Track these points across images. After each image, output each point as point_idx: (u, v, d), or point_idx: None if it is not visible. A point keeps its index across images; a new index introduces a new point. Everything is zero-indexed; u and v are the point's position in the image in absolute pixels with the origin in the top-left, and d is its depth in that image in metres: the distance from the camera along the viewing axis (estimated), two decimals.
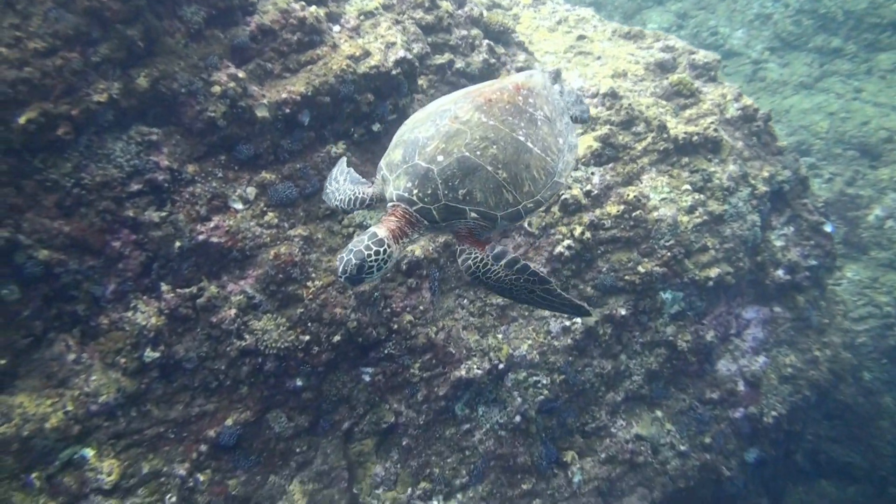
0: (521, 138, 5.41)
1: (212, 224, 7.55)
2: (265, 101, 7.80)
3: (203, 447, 7.64)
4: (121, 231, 7.28)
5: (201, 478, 7.66)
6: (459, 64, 9.24)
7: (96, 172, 7.15)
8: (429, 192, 5.22)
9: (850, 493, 12.47)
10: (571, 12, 12.22)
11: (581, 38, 10.74)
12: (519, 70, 9.52)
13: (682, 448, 9.40)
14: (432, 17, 9.39)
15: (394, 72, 8.26)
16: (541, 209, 6.28)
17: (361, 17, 8.89)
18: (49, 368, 7.33)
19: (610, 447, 9.23)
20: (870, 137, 15.47)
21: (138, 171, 7.28)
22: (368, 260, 5.12)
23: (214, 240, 7.53)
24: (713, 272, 9.00)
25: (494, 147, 5.27)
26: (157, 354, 7.30)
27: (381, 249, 5.18)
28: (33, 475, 7.20)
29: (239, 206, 7.74)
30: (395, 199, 5.44)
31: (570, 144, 5.93)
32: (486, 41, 9.63)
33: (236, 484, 7.76)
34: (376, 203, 6.11)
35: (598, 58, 10.39)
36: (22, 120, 6.81)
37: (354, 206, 6.24)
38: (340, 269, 5.11)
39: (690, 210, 9.10)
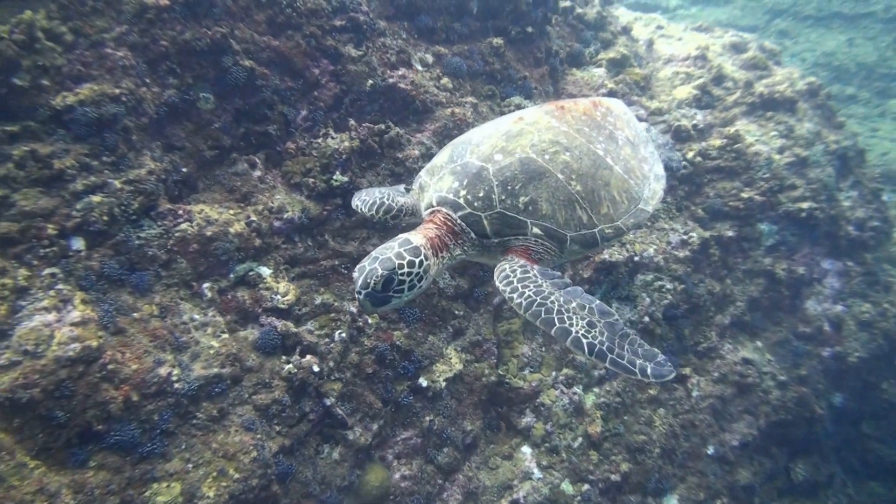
0: (600, 152, 4.29)
1: (399, 73, 7.39)
2: None
3: None
4: (321, 60, 7.01)
5: (370, 320, 6.98)
6: (579, 10, 9.69)
7: (308, 0, 7.04)
8: (480, 194, 3.96)
9: None
10: (640, 15, 12.84)
11: (659, 27, 11.43)
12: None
13: (782, 378, 9.06)
14: None
15: None
16: (620, 239, 4.90)
17: None
18: (231, 183, 6.74)
19: (721, 367, 8.82)
20: (891, 165, 15.69)
21: (343, 7, 7.13)
22: (399, 272, 3.69)
23: (402, 86, 7.28)
24: (805, 205, 9.18)
25: (567, 154, 4.13)
26: (345, 179, 6.83)
27: (417, 261, 3.76)
28: (206, 285, 6.42)
29: (419, 66, 7.60)
30: (435, 202, 4.15)
31: (656, 174, 4.73)
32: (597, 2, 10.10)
33: (400, 335, 7.07)
34: (406, 216, 4.76)
35: (679, 39, 11.01)
36: None
37: (379, 213, 4.80)
38: (361, 282, 3.63)
39: (780, 150, 9.40)
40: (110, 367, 5.39)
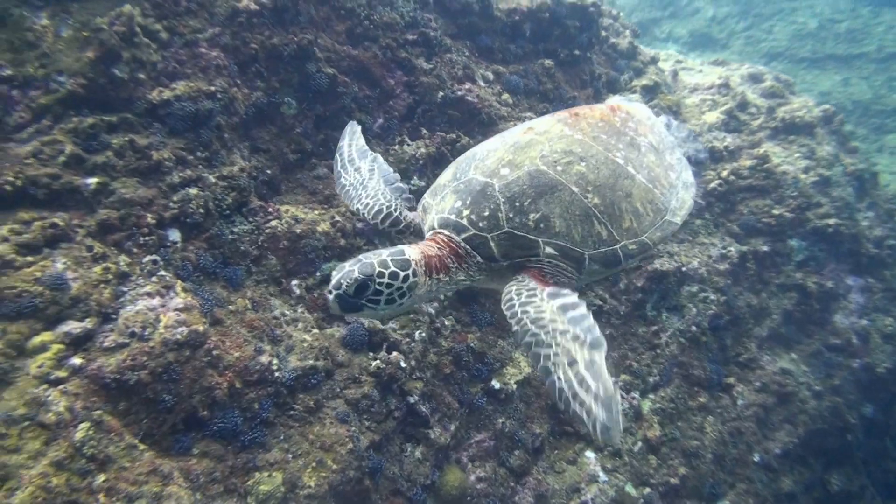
0: (620, 160, 3.75)
1: (466, 86, 7.39)
2: (502, 5, 8.07)
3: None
4: (396, 71, 7.01)
5: (447, 322, 6.82)
6: (613, 40, 9.84)
7: (382, 13, 7.03)
8: (486, 213, 3.45)
9: None
10: (657, 51, 12.97)
11: (678, 61, 11.65)
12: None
13: (817, 388, 8.97)
14: None
15: (591, 9, 8.68)
16: (646, 255, 4.18)
17: None
18: (314, 186, 6.64)
19: (762, 377, 8.71)
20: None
21: (415, 22, 7.16)
22: (378, 281, 3.22)
23: (469, 99, 7.26)
24: (831, 221, 9.27)
25: (582, 164, 3.60)
26: (422, 184, 6.77)
27: (402, 275, 3.28)
28: (294, 282, 6.26)
29: (482, 82, 7.61)
30: (437, 224, 3.64)
31: (684, 182, 4.12)
32: (630, 32, 10.33)
33: (474, 338, 6.93)
34: (411, 234, 4.20)
35: (700, 71, 11.24)
36: None
37: (384, 224, 4.18)
38: (334, 282, 3.20)
39: (805, 170, 9.52)
40: (215, 352, 5.20)
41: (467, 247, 3.50)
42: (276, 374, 5.45)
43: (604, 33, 9.49)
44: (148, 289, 5.21)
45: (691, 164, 4.55)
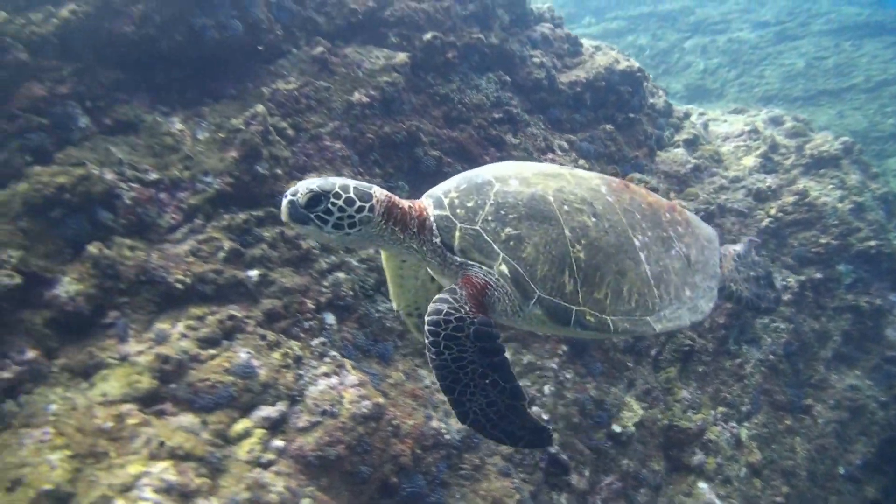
0: (636, 242, 3.47)
1: (548, 157, 7.78)
2: (563, 79, 8.56)
3: (564, 347, 7.12)
4: (489, 148, 7.38)
5: (567, 375, 7.05)
6: (651, 100, 10.34)
7: (472, 96, 7.45)
8: (469, 205, 3.22)
9: None
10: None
11: (702, 113, 12.18)
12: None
13: (883, 399, 9.28)
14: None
15: (637, 74, 9.20)
16: (599, 334, 3.56)
17: (591, 48, 9.90)
18: None
19: (834, 395, 8.97)
20: None
21: (499, 102, 7.58)
22: (332, 200, 2.97)
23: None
24: (872, 243, 9.71)
25: (592, 219, 3.34)
26: None
27: (358, 204, 3.00)
28: None
29: (559, 151, 8.03)
30: (425, 195, 3.47)
31: (694, 306, 3.75)
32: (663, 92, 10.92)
33: (591, 387, 7.16)
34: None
35: (725, 121, 11.81)
36: (427, 37, 7.28)
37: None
38: (292, 189, 2.99)
39: (840, 199, 10.00)
40: (394, 422, 5.39)
41: (434, 224, 3.24)
42: (447, 437, 5.64)
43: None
44: (324, 369, 5.42)
45: (751, 308, 4.32)
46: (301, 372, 5.39)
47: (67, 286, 5.20)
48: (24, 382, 4.75)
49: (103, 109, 6.19)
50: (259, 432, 4.92)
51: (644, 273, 3.46)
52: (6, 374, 4.69)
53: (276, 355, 5.35)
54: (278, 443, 4.93)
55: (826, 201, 9.80)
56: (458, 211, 3.21)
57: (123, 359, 5.07)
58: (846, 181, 10.33)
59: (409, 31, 7.19)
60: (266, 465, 4.76)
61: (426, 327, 3.03)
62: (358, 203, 3.01)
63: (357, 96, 6.61)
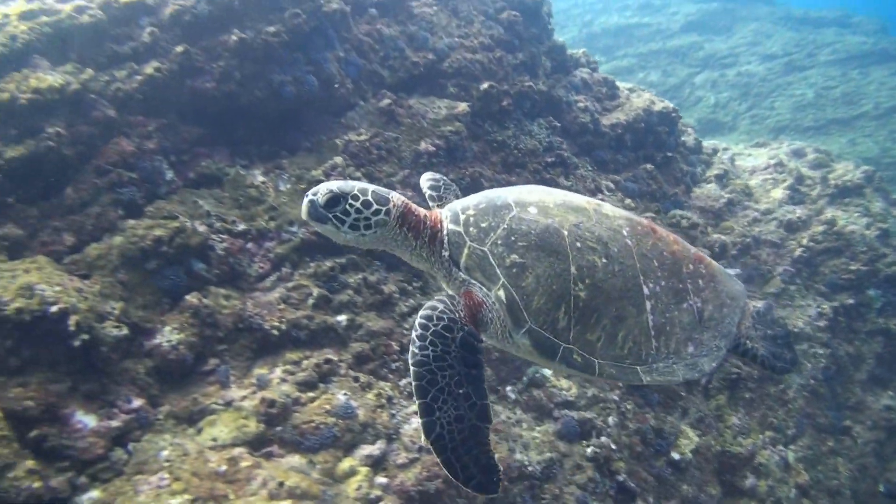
0: (645, 290, 3.37)
1: (599, 197, 8.11)
2: (605, 122, 8.92)
3: None
4: None
5: (628, 405, 7.30)
6: (682, 138, 10.73)
7: (526, 142, 7.76)
8: (482, 225, 3.22)
9: None
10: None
11: (725, 149, 12.54)
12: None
13: None
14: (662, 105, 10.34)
15: (672, 114, 9.58)
16: (581, 375, 3.61)
17: (626, 90, 10.28)
18: None
19: (871, 416, 9.29)
20: None
21: (551, 146, 7.91)
22: (350, 201, 3.09)
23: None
24: None
25: (602, 260, 3.25)
26: None
27: (375, 207, 3.12)
28: (508, 388, 6.74)
29: (606, 192, 8.37)
30: (443, 208, 3.52)
31: (693, 364, 3.52)
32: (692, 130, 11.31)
33: (651, 417, 7.41)
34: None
35: (749, 155, 12.20)
36: (484, 86, 7.61)
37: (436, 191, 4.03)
38: (312, 190, 3.11)
39: (867, 227, 10.36)
40: None
41: (446, 237, 3.29)
42: (529, 468, 5.87)
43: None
44: (413, 408, 5.66)
45: (767, 367, 4.00)
46: (393, 411, 5.62)
47: (169, 335, 5.41)
48: (133, 430, 4.93)
49: (187, 163, 6.48)
50: (364, 470, 5.14)
51: (645, 322, 3.36)
52: (116, 423, 4.86)
53: (371, 396, 5.59)
54: (382, 479, 5.14)
55: (853, 229, 10.13)
56: (471, 229, 3.23)
57: (228, 404, 5.29)
58: (870, 209, 10.68)
59: (466, 81, 7.53)
60: (375, 502, 4.98)
61: (418, 320, 3.04)
62: (375, 206, 3.13)
63: (424, 145, 6.91)
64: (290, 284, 6.03)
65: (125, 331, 5.19)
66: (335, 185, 3.11)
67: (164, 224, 5.76)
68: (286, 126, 6.85)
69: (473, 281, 3.21)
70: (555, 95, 8.24)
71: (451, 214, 3.33)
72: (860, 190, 10.98)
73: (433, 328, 2.99)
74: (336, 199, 3.07)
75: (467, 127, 7.29)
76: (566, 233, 3.22)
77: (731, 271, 4.11)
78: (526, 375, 6.79)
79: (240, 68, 6.52)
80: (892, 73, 21.32)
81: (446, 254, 3.28)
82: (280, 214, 6.31)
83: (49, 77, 5.77)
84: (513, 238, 3.17)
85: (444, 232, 3.30)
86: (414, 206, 3.34)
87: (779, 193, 10.61)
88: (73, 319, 4.87)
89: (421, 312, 3.06)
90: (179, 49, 6.30)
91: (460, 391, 2.90)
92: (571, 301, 3.15)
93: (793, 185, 10.78)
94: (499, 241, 3.17)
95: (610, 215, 3.48)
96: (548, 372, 6.93)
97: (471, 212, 3.27)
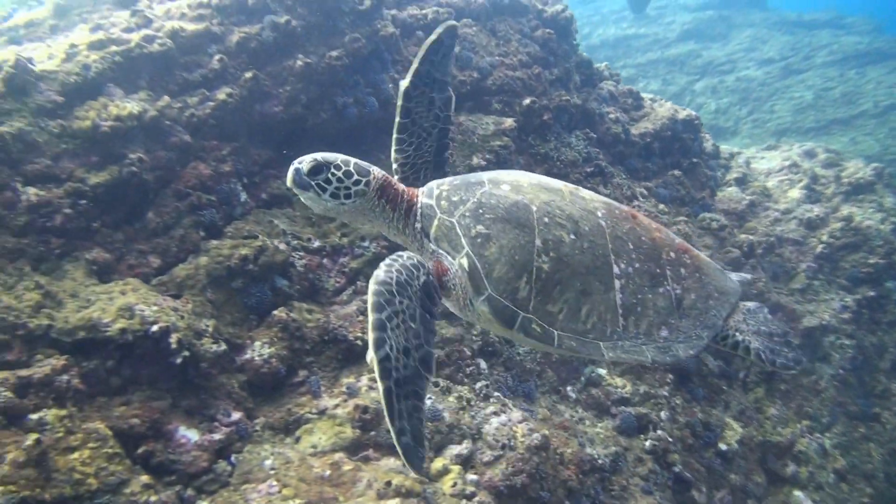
0: (616, 269, 3.34)
1: (635, 204, 8.48)
2: (634, 131, 9.29)
3: (670, 376, 7.72)
4: None
5: (678, 401, 7.64)
6: (702, 144, 11.12)
7: (566, 154, 8.12)
8: (454, 199, 3.33)
9: None
10: None
11: (739, 153, 13.00)
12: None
13: None
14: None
15: (695, 121, 9.97)
16: (545, 349, 3.82)
17: (650, 100, 10.53)
18: None
19: None
20: None
21: (589, 157, 8.27)
22: (333, 170, 3.25)
23: (644, 215, 8.40)
24: None
25: (570, 236, 3.27)
26: None
27: (356, 177, 3.29)
28: (569, 388, 7.07)
29: (641, 199, 8.75)
30: (422, 186, 3.61)
31: (666, 348, 3.44)
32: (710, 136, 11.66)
33: (699, 411, 7.75)
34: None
35: (763, 158, 12.62)
36: (526, 102, 7.97)
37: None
38: (299, 158, 3.26)
39: (882, 221, 10.78)
40: (559, 451, 5.94)
41: (419, 210, 3.43)
42: (599, 461, 6.20)
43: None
44: (492, 409, 5.97)
45: (765, 362, 3.73)
46: (472, 413, 5.93)
47: (260, 349, 5.68)
48: (234, 443, 5.13)
49: (258, 185, 6.77)
50: (455, 468, 5.44)
51: (612, 300, 3.32)
52: (218, 437, 5.07)
53: (452, 399, 5.90)
54: (473, 476, 5.44)
55: (869, 224, 10.55)
56: (442, 203, 3.34)
57: (322, 413, 5.56)
58: (883, 204, 11.11)
59: (509, 97, 7.87)
60: (470, 497, 5.27)
61: (389, 256, 3.14)
62: (356, 176, 3.29)
63: (475, 160, 7.24)
64: (366, 299, 6.30)
65: (223, 346, 5.42)
66: (319, 155, 3.27)
67: (248, 243, 6.01)
68: (347, 146, 7.14)
69: (441, 251, 3.30)
70: (588, 108, 8.60)
71: (426, 190, 3.48)
72: (872, 186, 11.41)
73: (402, 262, 3.10)
74: (319, 168, 3.24)
75: (514, 141, 7.63)
76: (535, 208, 3.28)
77: (735, 276, 4.07)
78: (584, 376, 7.12)
79: (305, 92, 6.80)
80: (889, 72, 21.82)
81: (419, 226, 3.42)
82: (351, 231, 6.61)
83: (128, 105, 5.94)
84: (480, 211, 3.25)
85: (419, 205, 3.44)
86: (394, 180, 3.52)
87: (796, 193, 11.02)
88: (174, 337, 5.07)
89: (392, 256, 3.16)
90: (248, 75, 6.54)
91: (412, 325, 2.92)
92: (534, 272, 3.17)
93: (808, 185, 11.20)
94: (467, 214, 3.26)
95: (586, 198, 3.52)
96: (603, 371, 7.27)
97: (445, 187, 3.41)
